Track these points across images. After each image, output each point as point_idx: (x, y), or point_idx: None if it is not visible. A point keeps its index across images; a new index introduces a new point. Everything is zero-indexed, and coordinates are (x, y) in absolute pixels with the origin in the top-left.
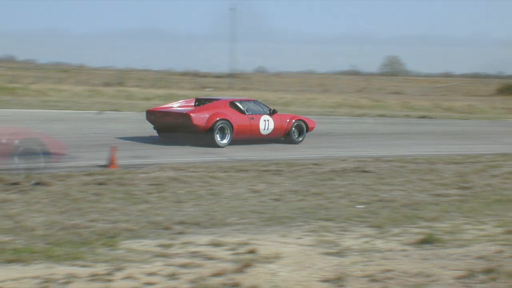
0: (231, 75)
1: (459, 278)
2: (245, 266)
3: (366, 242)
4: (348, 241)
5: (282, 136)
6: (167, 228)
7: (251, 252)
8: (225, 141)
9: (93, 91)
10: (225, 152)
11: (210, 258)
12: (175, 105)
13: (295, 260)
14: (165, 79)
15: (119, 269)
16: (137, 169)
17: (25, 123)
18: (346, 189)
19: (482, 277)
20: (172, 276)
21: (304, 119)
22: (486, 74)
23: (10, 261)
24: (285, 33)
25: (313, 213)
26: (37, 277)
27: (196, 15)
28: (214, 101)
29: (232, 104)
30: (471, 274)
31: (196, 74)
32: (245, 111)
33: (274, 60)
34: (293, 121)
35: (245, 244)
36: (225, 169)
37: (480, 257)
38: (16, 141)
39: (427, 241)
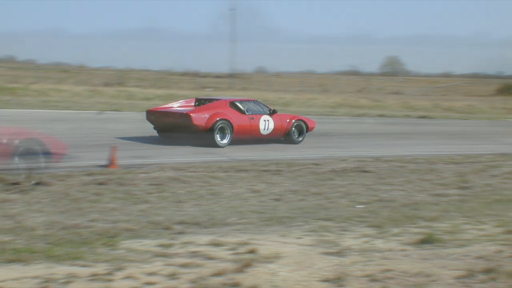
0: (231, 75)
1: (459, 278)
2: (245, 266)
3: (366, 242)
4: (348, 241)
5: (282, 136)
6: (167, 228)
7: (251, 252)
8: (225, 141)
9: (93, 91)
10: (225, 152)
11: (210, 258)
12: (175, 105)
13: (295, 260)
14: (165, 79)
15: (119, 269)
16: (137, 169)
17: (25, 123)
18: (346, 189)
19: (482, 277)
20: (172, 276)
21: (304, 119)
22: (486, 74)
23: (10, 261)
24: (285, 33)
25: (313, 213)
26: (37, 277)
27: (196, 15)
28: (214, 101)
29: (232, 104)
30: (471, 274)
31: (196, 74)
32: (245, 111)
33: (274, 60)
34: (293, 121)
35: (245, 244)
36: (225, 169)
37: (480, 257)
38: (17, 141)
39: (427, 241)
